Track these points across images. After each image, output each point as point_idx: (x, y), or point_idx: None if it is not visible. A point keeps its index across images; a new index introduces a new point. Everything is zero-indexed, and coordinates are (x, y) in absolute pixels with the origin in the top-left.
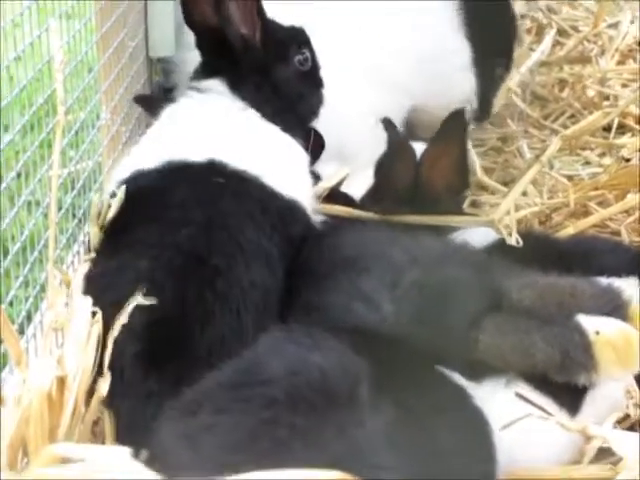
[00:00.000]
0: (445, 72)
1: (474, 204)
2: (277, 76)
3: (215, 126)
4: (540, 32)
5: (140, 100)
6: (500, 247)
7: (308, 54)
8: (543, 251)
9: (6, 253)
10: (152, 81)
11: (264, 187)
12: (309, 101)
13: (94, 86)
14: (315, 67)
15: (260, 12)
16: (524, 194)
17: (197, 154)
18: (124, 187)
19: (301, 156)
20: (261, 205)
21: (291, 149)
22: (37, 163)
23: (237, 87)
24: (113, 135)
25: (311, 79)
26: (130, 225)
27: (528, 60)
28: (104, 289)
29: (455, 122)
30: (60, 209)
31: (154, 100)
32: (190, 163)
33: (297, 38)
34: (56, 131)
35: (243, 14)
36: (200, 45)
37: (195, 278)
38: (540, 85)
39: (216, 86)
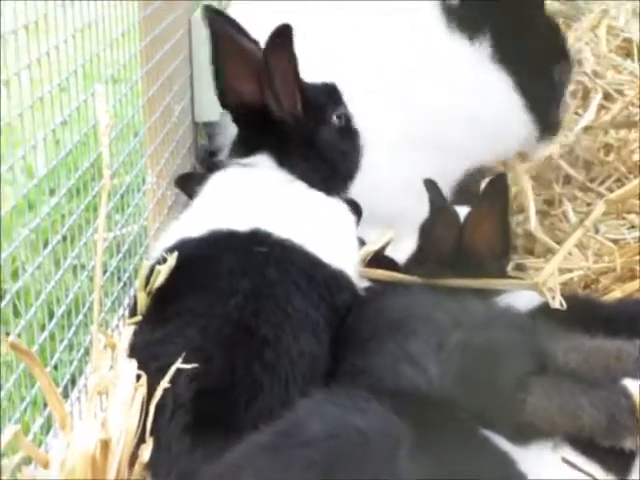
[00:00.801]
0: (500, 125)
1: (519, 267)
2: (320, 140)
3: (260, 196)
4: (586, 96)
5: (180, 181)
6: (545, 311)
7: (342, 109)
8: (588, 314)
9: (51, 316)
10: (197, 145)
11: (309, 256)
12: (351, 156)
13: (140, 150)
14: (349, 120)
15: (298, 80)
16: (570, 258)
17: (242, 223)
18: (174, 254)
19: (348, 221)
20: (307, 274)
21: (338, 215)
22: (83, 227)
23: (284, 161)
24: (159, 199)
25: (349, 132)
26: (177, 293)
27: (574, 124)
28: (152, 357)
29: (497, 186)
30: (105, 272)
31: (195, 178)
32: (235, 232)
33: (331, 95)
34: (102, 194)
35: (285, 87)
36: (237, 120)
37: (244, 349)
38: (586, 149)
39: (262, 161)
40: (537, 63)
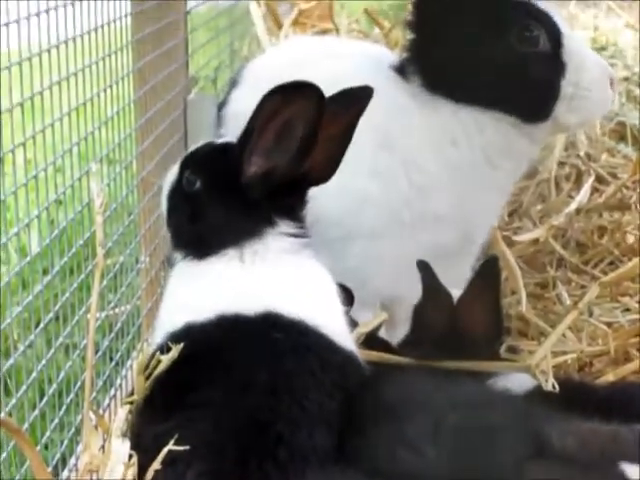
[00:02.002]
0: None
1: (512, 350)
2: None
3: (266, 274)
4: (579, 179)
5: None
6: (539, 393)
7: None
8: (582, 398)
9: (42, 395)
10: None
11: (323, 339)
12: None
13: (133, 230)
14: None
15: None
16: (564, 340)
17: (250, 305)
18: (179, 346)
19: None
20: (322, 360)
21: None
22: (75, 306)
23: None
24: (152, 278)
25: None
26: (189, 383)
27: (567, 207)
28: (161, 449)
29: (488, 269)
30: (97, 352)
31: None
32: (245, 317)
33: None
34: (95, 273)
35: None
36: None
37: (257, 446)
38: (579, 231)
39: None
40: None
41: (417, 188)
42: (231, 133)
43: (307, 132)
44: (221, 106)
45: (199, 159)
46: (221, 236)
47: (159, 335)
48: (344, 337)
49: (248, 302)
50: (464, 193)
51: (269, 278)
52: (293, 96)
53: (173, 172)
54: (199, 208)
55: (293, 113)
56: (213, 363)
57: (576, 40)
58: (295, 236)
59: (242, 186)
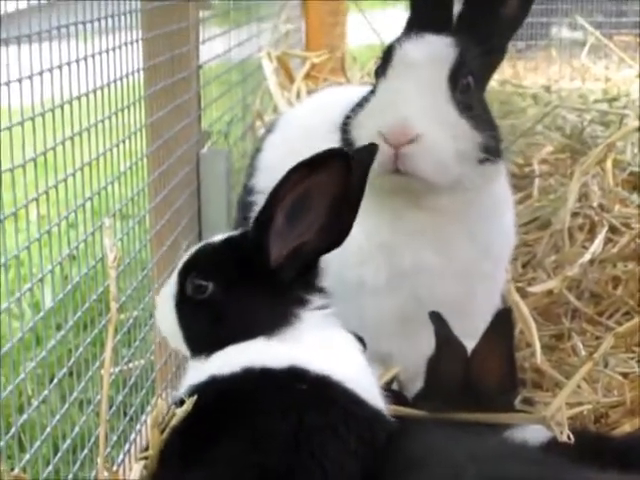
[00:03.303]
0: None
1: (528, 401)
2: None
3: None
4: (592, 230)
5: None
6: (556, 445)
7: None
8: (599, 449)
9: (56, 451)
10: None
11: (349, 394)
12: None
13: (147, 284)
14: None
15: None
16: (579, 391)
17: (276, 359)
18: (193, 399)
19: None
20: (346, 414)
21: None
22: (89, 361)
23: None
24: None
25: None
26: (210, 436)
27: (581, 258)
28: None
29: (502, 320)
30: (111, 407)
31: None
32: (270, 369)
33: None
34: (108, 328)
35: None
36: None
37: None
38: (594, 282)
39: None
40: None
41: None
42: (262, 186)
43: (336, 201)
44: (254, 155)
45: (204, 262)
46: (248, 331)
47: (182, 389)
48: (371, 393)
49: (274, 357)
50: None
51: (296, 340)
52: (319, 168)
53: (171, 284)
54: (218, 312)
55: (320, 184)
56: (235, 416)
57: None
58: (323, 308)
59: (268, 272)
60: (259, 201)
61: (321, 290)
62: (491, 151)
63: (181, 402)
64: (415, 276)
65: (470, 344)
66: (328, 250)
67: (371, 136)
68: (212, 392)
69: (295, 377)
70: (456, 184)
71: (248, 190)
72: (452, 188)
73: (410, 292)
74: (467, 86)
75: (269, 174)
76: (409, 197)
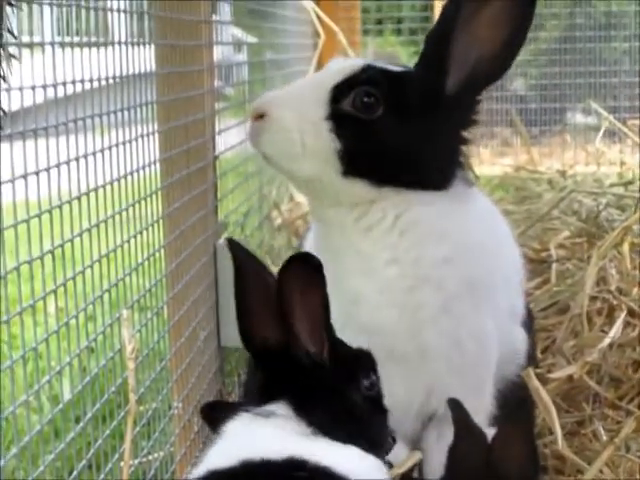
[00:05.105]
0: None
1: None
2: (347, 399)
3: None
4: (611, 314)
5: (205, 410)
6: None
7: (375, 378)
8: None
9: None
10: (224, 371)
11: None
12: (377, 427)
13: (165, 376)
14: (380, 393)
15: (328, 330)
16: (601, 477)
17: (274, 451)
18: None
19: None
20: None
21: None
22: (108, 454)
23: (303, 410)
24: (185, 425)
25: (378, 405)
26: None
27: (600, 342)
28: None
29: (521, 408)
30: None
31: (220, 408)
32: (267, 461)
33: (366, 360)
34: (127, 420)
35: (310, 331)
36: (260, 366)
37: None
38: (613, 366)
39: (279, 409)
40: None
41: None
42: None
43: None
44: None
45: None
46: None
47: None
48: None
49: (273, 450)
50: None
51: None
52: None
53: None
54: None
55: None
56: None
57: None
58: (311, 423)
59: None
60: None
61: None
62: (359, 168)
63: None
64: (353, 305)
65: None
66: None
67: None
68: None
69: (293, 470)
70: (318, 186)
71: None
72: (321, 191)
73: (357, 324)
74: (367, 105)
75: None
76: (324, 216)
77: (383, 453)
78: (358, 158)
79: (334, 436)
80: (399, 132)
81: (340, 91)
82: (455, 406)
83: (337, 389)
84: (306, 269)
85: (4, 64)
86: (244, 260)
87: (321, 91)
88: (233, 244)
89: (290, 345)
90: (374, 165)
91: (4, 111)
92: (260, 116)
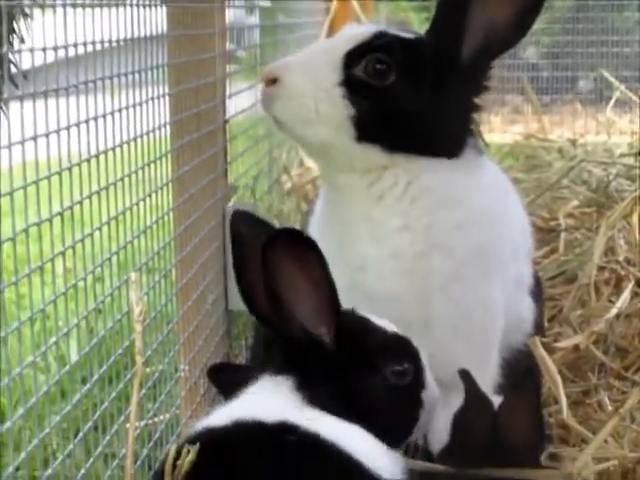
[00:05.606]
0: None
1: (554, 457)
2: (355, 381)
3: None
4: (619, 284)
5: (212, 372)
6: None
7: (408, 367)
8: None
9: None
10: (231, 334)
11: (343, 456)
12: (397, 418)
13: (172, 338)
14: (414, 385)
15: (334, 310)
16: (605, 447)
17: (269, 415)
18: (196, 446)
19: None
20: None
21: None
22: (114, 415)
23: (304, 386)
24: (191, 387)
25: (406, 396)
26: None
27: (607, 312)
28: None
29: (529, 377)
30: (136, 461)
31: (227, 370)
32: (260, 422)
33: (399, 347)
34: (134, 382)
35: (311, 311)
36: (267, 332)
37: None
38: (620, 336)
39: (282, 380)
40: None
41: None
42: None
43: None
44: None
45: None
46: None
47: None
48: (377, 457)
49: (267, 414)
50: None
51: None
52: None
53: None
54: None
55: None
56: (219, 470)
57: None
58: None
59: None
60: None
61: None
62: (373, 133)
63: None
64: (359, 272)
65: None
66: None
67: None
68: (202, 443)
69: (285, 433)
70: (331, 152)
71: None
72: (335, 157)
73: (362, 291)
74: (379, 72)
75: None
76: (335, 182)
77: (398, 445)
78: (371, 124)
79: (337, 415)
80: (412, 99)
81: (352, 58)
82: (466, 377)
83: (341, 369)
84: (299, 246)
85: (22, 22)
86: (243, 231)
87: (334, 57)
88: (236, 215)
89: (282, 322)
90: (387, 131)
91: (17, 66)
92: (273, 81)
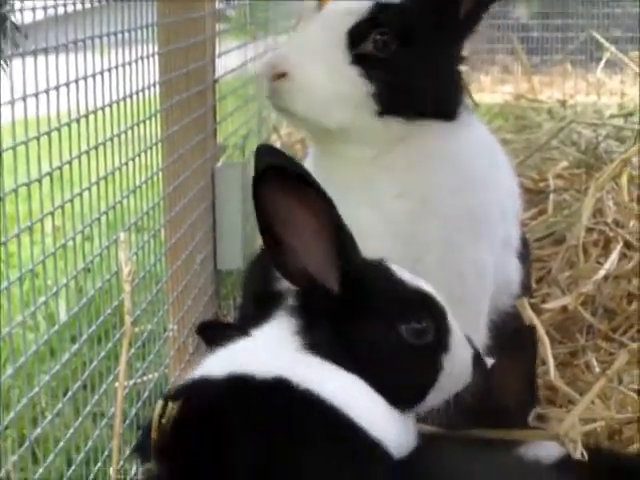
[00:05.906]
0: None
1: (541, 418)
2: (363, 336)
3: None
4: (607, 245)
5: (202, 329)
6: (569, 462)
7: (428, 326)
8: (611, 467)
9: (70, 464)
10: (220, 294)
11: (338, 416)
12: (410, 380)
13: (161, 298)
14: (434, 345)
15: (341, 257)
16: (592, 408)
17: (263, 367)
18: (175, 404)
19: None
20: (331, 438)
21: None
22: (103, 374)
23: (304, 331)
24: (180, 347)
25: (423, 356)
26: (184, 449)
27: (595, 273)
28: None
29: (526, 337)
30: (125, 420)
31: (217, 327)
32: (253, 378)
33: (422, 304)
34: (123, 342)
35: (314, 256)
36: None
37: None
38: (608, 298)
39: (282, 324)
40: None
41: None
42: None
43: None
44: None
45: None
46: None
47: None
48: (374, 421)
49: (262, 365)
50: None
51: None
52: None
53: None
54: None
55: None
56: (209, 425)
57: None
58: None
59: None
60: None
61: None
62: (394, 106)
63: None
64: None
65: None
66: None
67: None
68: (194, 394)
69: (279, 390)
70: (350, 131)
71: None
72: (353, 135)
73: None
74: (384, 43)
75: None
76: (336, 151)
77: (403, 407)
78: (391, 95)
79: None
80: (418, 63)
81: (356, 35)
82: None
83: (345, 318)
84: (294, 180)
85: None
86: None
87: (336, 38)
88: (262, 149)
89: (278, 265)
90: (405, 100)
91: (17, 27)
92: (279, 75)
